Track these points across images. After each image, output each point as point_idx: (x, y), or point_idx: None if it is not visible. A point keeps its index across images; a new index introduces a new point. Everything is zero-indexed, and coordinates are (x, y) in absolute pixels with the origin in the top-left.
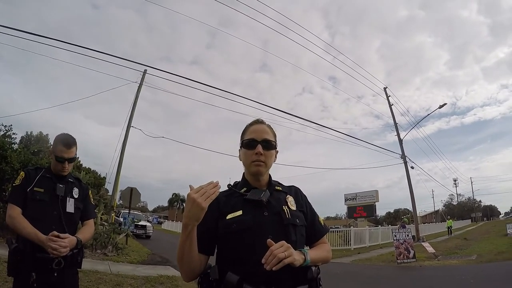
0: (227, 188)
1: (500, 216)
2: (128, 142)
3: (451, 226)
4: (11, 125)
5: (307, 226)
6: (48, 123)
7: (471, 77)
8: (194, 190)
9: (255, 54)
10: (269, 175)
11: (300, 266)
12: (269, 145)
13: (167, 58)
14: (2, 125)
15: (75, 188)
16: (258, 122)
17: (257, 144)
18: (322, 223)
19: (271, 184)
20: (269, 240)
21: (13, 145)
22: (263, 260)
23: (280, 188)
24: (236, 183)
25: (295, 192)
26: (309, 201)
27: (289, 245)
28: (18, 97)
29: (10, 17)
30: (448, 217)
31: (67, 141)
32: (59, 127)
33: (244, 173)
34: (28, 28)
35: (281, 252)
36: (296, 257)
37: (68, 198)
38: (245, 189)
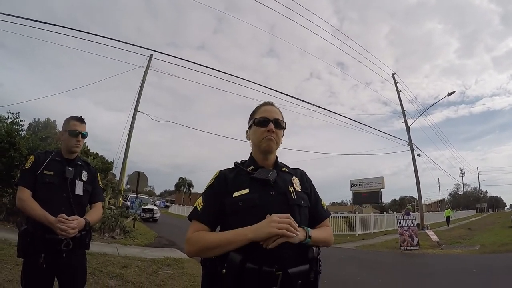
0: (234, 166)
1: (506, 207)
2: (135, 127)
3: (449, 216)
4: (18, 112)
5: (310, 208)
6: (55, 109)
7: (481, 66)
8: (280, 216)
9: (262, 38)
10: (276, 156)
11: (300, 242)
12: (279, 125)
13: (174, 43)
14: (10, 112)
15: (84, 171)
16: (269, 103)
17: (269, 122)
18: (325, 207)
19: (278, 165)
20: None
21: (21, 132)
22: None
23: (286, 170)
24: (243, 162)
25: (300, 174)
26: (314, 185)
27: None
28: (25, 85)
29: (15, 6)
30: (447, 206)
31: (79, 117)
32: (66, 114)
33: (251, 152)
34: (33, 16)
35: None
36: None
37: (77, 181)
38: (252, 167)
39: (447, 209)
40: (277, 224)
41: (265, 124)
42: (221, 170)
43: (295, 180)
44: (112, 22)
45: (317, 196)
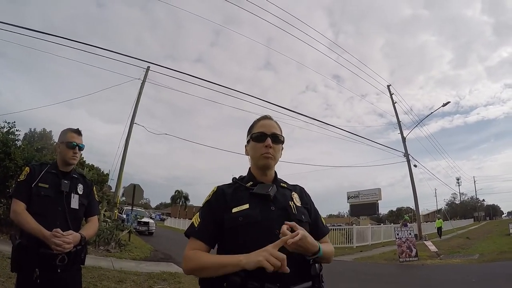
0: (232, 182)
1: (503, 215)
2: (131, 139)
3: (441, 227)
4: (14, 122)
5: (310, 224)
6: (52, 120)
7: (475, 76)
8: (275, 249)
9: (259, 52)
10: (275, 171)
11: (313, 256)
12: (278, 139)
13: (171, 56)
14: (6, 122)
15: (79, 184)
16: (267, 117)
17: (267, 137)
18: (324, 223)
19: (277, 180)
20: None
21: (16, 142)
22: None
23: (285, 185)
24: (241, 177)
25: (300, 190)
26: (312, 200)
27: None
28: (22, 95)
29: (17, 16)
30: (438, 216)
31: (77, 129)
32: (63, 124)
33: (250, 167)
34: (34, 27)
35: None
36: (311, 240)
37: (72, 194)
38: (251, 183)
39: (438, 219)
40: (270, 258)
41: (263, 139)
42: (219, 186)
43: (295, 196)
44: (111, 35)
45: (317, 212)
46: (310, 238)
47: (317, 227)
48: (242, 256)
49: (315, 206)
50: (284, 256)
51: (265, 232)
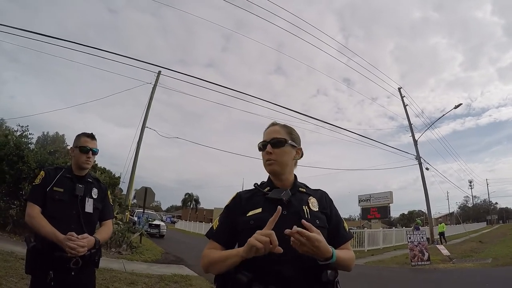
0: (253, 187)
1: None
2: (143, 142)
3: (443, 232)
4: (27, 126)
5: (330, 230)
6: (65, 124)
7: (486, 78)
8: (264, 235)
9: (269, 56)
10: (295, 175)
11: (326, 261)
12: (278, 143)
13: (183, 61)
14: (19, 125)
15: (94, 188)
16: (272, 124)
17: (267, 144)
18: (347, 229)
19: (296, 185)
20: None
21: (29, 145)
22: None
23: (304, 190)
24: (262, 183)
25: (320, 194)
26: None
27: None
28: (35, 99)
29: (30, 22)
30: (439, 220)
31: (90, 133)
32: (75, 128)
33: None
34: (46, 32)
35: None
36: (323, 245)
37: (87, 198)
38: (268, 188)
39: (440, 224)
40: (259, 237)
41: (264, 147)
42: (238, 192)
43: (312, 200)
44: (123, 40)
45: (339, 217)
46: (323, 243)
47: (337, 233)
48: (241, 248)
49: (338, 212)
50: (271, 231)
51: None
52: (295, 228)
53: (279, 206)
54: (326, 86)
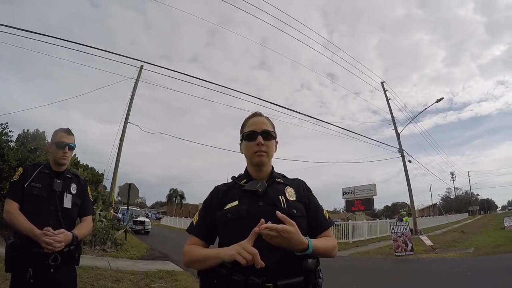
0: (231, 180)
1: (497, 209)
2: (126, 138)
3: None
4: (7, 123)
5: (309, 218)
6: (45, 121)
7: (468, 73)
8: (249, 242)
9: (254, 51)
10: (272, 167)
11: (302, 252)
12: (269, 136)
13: (167, 56)
14: None
15: (73, 184)
16: (257, 114)
17: (258, 135)
18: (327, 216)
19: (272, 176)
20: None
21: (9, 143)
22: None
23: (281, 180)
24: (239, 176)
25: (298, 184)
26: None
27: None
28: (16, 95)
29: (10, 16)
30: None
31: (67, 128)
32: (56, 125)
33: (246, 166)
34: (28, 27)
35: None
36: (297, 237)
37: (65, 194)
38: (245, 180)
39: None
40: (242, 252)
41: (254, 137)
42: (216, 186)
43: (289, 190)
44: (106, 35)
45: (318, 205)
46: (295, 234)
47: (316, 221)
48: (221, 249)
49: (317, 199)
50: (256, 251)
51: (251, 227)
52: (264, 225)
53: (262, 219)
54: (310, 80)
